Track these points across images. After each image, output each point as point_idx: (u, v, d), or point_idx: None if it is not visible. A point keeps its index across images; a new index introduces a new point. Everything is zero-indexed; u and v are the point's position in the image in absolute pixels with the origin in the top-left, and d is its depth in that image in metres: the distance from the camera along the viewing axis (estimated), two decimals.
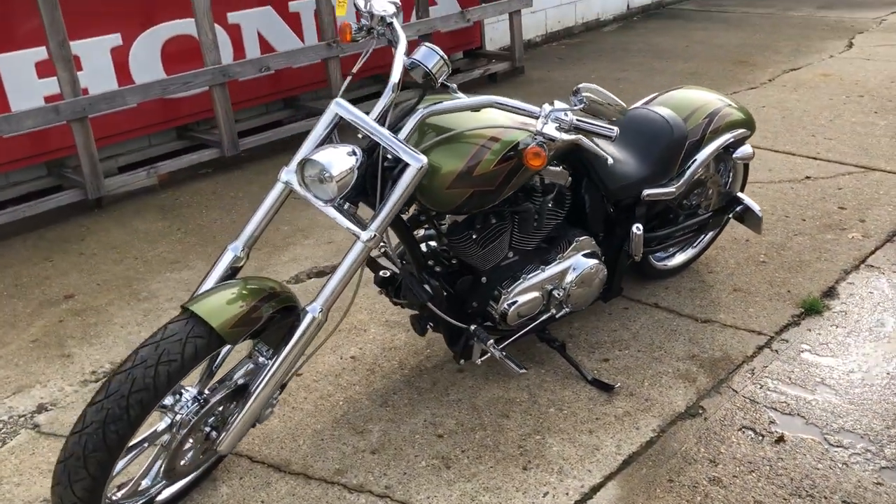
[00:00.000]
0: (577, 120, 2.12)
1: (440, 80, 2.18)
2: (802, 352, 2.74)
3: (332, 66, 5.10)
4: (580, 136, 2.19)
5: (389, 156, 2.10)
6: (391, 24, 2.31)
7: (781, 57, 6.27)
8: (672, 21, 7.90)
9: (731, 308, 3.03)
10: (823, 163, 4.25)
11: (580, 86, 2.10)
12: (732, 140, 2.92)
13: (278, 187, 2.15)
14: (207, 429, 2.05)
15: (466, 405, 2.61)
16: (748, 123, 3.01)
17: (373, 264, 2.64)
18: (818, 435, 2.37)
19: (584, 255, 2.65)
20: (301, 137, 4.41)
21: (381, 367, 2.82)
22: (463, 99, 2.19)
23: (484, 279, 2.52)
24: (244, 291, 2.00)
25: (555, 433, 2.45)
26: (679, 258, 3.23)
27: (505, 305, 2.50)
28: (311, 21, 5.27)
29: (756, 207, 3.02)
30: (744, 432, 2.40)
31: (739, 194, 3.09)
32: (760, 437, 2.38)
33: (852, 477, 2.20)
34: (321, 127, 2.15)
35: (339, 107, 2.14)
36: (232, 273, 2.15)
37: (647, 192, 2.72)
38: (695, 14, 8.15)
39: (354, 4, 2.34)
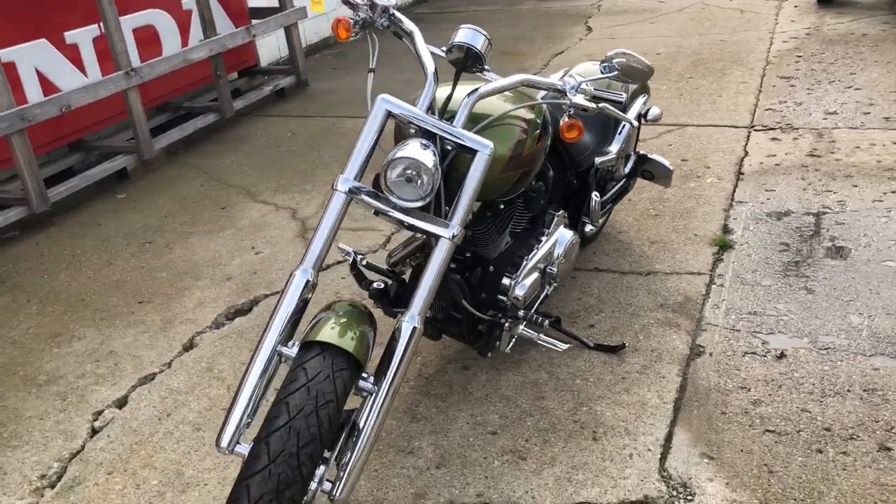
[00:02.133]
0: (596, 89, 2.19)
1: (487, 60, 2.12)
2: (742, 282, 3.06)
3: (132, 97, 4.61)
4: (604, 103, 2.25)
5: (449, 147, 2.00)
6: (393, 14, 2.19)
7: (541, 44, 6.82)
8: (418, 24, 8.19)
9: (660, 258, 3.28)
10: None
11: (610, 52, 2.17)
12: (643, 103, 3.17)
13: (339, 199, 1.95)
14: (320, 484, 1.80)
15: (497, 398, 2.56)
16: (647, 88, 3.28)
17: (360, 276, 2.49)
18: (806, 343, 2.68)
19: (562, 229, 2.72)
20: (108, 182, 3.92)
21: None
22: (500, 80, 2.14)
23: (491, 268, 2.49)
24: (347, 315, 1.82)
25: (597, 400, 2.50)
26: (588, 226, 3.41)
27: (517, 291, 2.49)
28: (92, 51, 4.70)
29: (666, 162, 3.29)
30: (749, 357, 2.64)
31: (646, 153, 3.35)
32: (764, 358, 2.63)
33: (855, 369, 2.53)
34: (374, 126, 1.98)
35: (387, 102, 1.99)
36: (306, 299, 1.91)
37: (598, 160, 2.86)
38: (433, 16, 8.53)
39: (346, 0, 2.18)
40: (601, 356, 2.70)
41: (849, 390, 2.44)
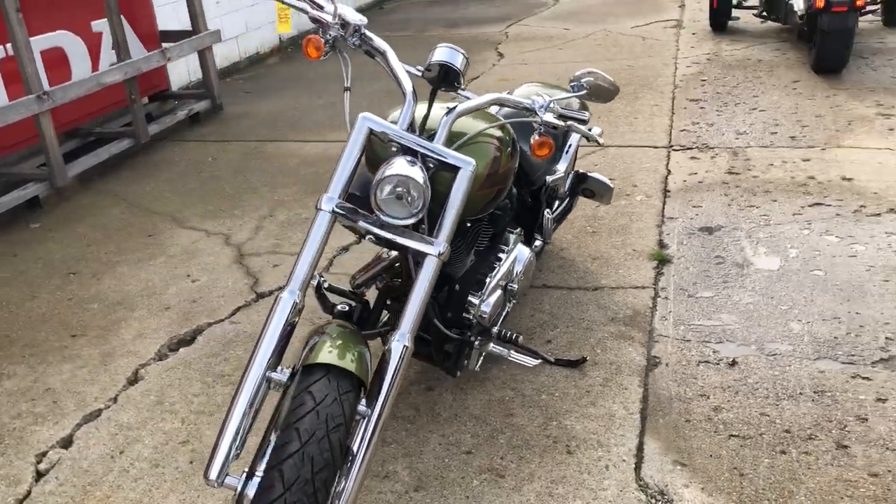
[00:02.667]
0: (562, 108, 2.24)
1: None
2: (685, 294, 3.18)
3: (45, 122, 4.38)
4: (571, 122, 2.30)
5: (430, 164, 1.99)
6: (364, 34, 2.17)
7: None
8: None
9: (604, 274, 3.36)
10: None
11: (579, 72, 2.22)
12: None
13: (324, 218, 1.91)
14: None
15: (466, 417, 2.55)
16: (587, 106, 3.37)
17: (323, 299, 2.46)
18: (754, 351, 2.79)
19: (521, 246, 2.76)
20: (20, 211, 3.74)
21: None
22: (476, 98, 2.15)
23: (457, 287, 2.49)
24: (342, 336, 1.78)
25: (566, 414, 2.53)
26: (538, 242, 3.47)
27: (483, 308, 2.50)
28: None
29: (606, 180, 3.38)
30: (703, 365, 2.73)
31: (585, 171, 3.44)
32: (718, 366, 2.73)
33: (803, 372, 2.66)
34: (356, 144, 1.96)
35: (369, 120, 1.97)
36: (293, 322, 1.85)
37: (549, 178, 2.92)
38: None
39: (315, 19, 2.14)
40: (563, 371, 2.74)
41: (801, 393, 2.56)
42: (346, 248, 3.67)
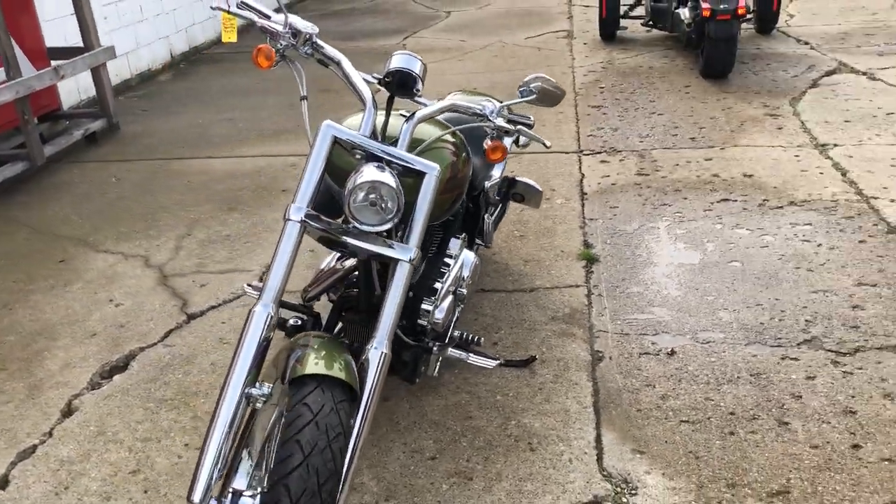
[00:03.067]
0: (510, 113, 2.30)
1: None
2: (617, 290, 3.30)
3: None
4: (520, 126, 2.35)
5: (395, 171, 2.00)
6: (316, 42, 2.16)
7: None
8: (221, 64, 7.98)
9: (538, 275, 3.45)
10: None
11: (527, 77, 2.28)
12: None
13: (294, 228, 1.88)
14: None
15: (426, 424, 2.56)
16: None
17: None
18: (689, 340, 2.93)
19: (466, 251, 2.79)
20: None
21: None
22: (433, 104, 2.17)
23: (411, 293, 2.50)
24: (325, 346, 1.76)
25: (522, 413, 2.58)
26: (479, 246, 3.52)
27: (437, 315, 2.52)
28: None
29: (535, 184, 3.47)
30: (645, 357, 2.84)
31: (514, 176, 3.51)
32: (658, 356, 2.84)
33: (737, 357, 2.81)
34: (321, 152, 1.94)
35: (333, 128, 1.96)
36: (268, 337, 1.81)
37: (487, 183, 2.97)
38: (235, 56, 8.34)
39: (264, 28, 2.12)
40: (513, 371, 2.79)
41: (738, 377, 2.70)
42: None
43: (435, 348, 2.48)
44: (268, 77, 7.10)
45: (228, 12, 2.15)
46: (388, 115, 2.13)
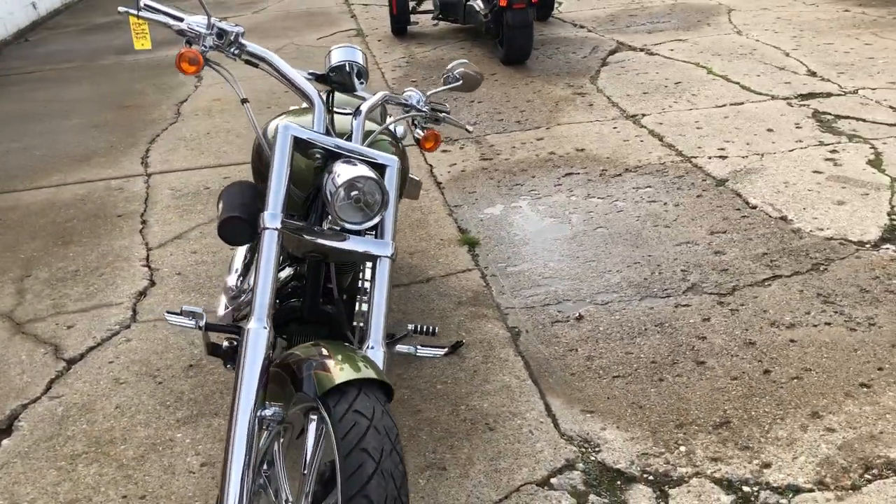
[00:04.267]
0: (431, 101, 2.33)
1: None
2: (508, 268, 3.42)
3: None
4: (443, 114, 2.38)
5: None
6: (242, 43, 2.04)
7: (156, 95, 6.49)
8: None
9: (428, 265, 3.49)
10: None
11: (451, 66, 2.31)
12: None
13: (273, 236, 1.78)
14: None
15: None
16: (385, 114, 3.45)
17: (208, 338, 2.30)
18: (590, 304, 3.12)
19: None
20: None
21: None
22: (370, 97, 2.13)
23: (344, 296, 2.46)
24: (338, 349, 1.69)
25: (468, 397, 2.62)
26: None
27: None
28: None
29: (415, 176, 3.49)
30: (558, 325, 2.99)
31: None
32: (569, 323, 3.01)
33: (638, 312, 3.04)
34: (285, 156, 1.84)
35: (293, 129, 1.87)
36: (269, 355, 1.71)
37: None
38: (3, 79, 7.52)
39: (184, 31, 1.97)
40: (443, 359, 2.81)
41: (646, 329, 2.93)
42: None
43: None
44: (53, 100, 6.51)
45: (137, 16, 1.97)
46: (331, 111, 2.07)
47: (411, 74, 6.53)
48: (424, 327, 2.52)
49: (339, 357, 1.67)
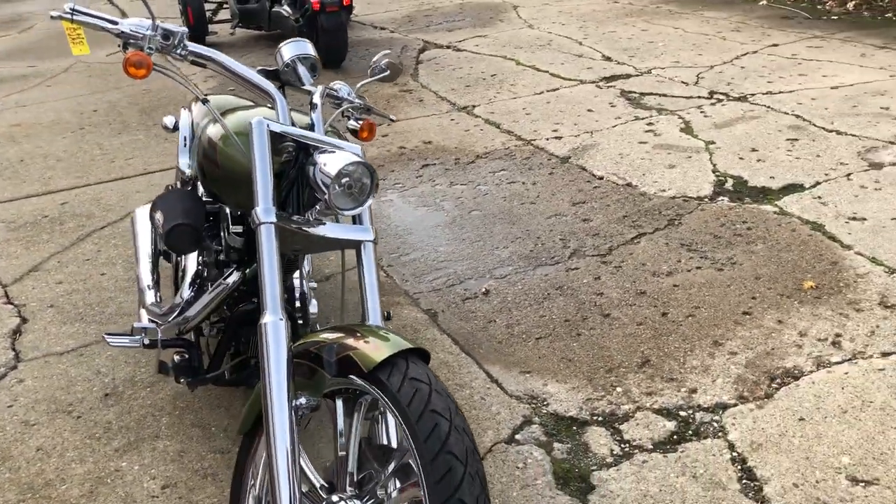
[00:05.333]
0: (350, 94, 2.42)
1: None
2: (402, 259, 3.54)
3: None
4: (370, 105, 2.45)
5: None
6: (187, 44, 1.99)
7: None
8: None
9: (322, 265, 3.52)
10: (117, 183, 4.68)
11: (376, 57, 2.39)
12: None
13: (270, 230, 1.77)
14: None
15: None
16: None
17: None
18: (491, 279, 3.32)
19: None
20: None
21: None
22: (316, 90, 2.16)
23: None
24: (363, 328, 1.74)
25: None
26: None
27: (312, 309, 2.52)
28: None
29: None
30: (469, 301, 3.16)
31: None
32: (479, 298, 3.18)
33: (536, 280, 3.28)
34: (264, 149, 1.83)
35: (268, 122, 1.87)
36: (289, 346, 1.72)
37: None
38: None
39: (126, 33, 1.91)
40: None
41: (549, 294, 3.17)
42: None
43: None
44: None
45: (71, 20, 1.87)
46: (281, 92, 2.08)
47: (227, 83, 6.39)
48: (385, 313, 2.58)
49: (367, 335, 1.71)
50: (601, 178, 4.17)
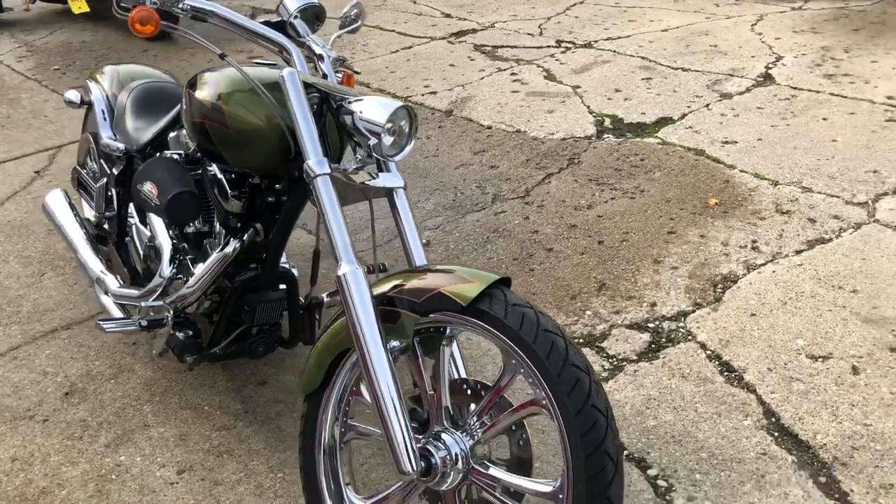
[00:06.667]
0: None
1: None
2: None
3: None
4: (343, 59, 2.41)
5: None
6: None
7: None
8: None
9: None
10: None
11: (346, 8, 2.35)
12: None
13: (326, 181, 1.74)
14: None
15: None
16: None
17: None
18: (427, 231, 3.38)
19: None
20: None
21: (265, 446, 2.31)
22: (318, 42, 2.10)
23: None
24: (434, 270, 1.77)
25: None
26: None
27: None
28: None
29: None
30: None
31: None
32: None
33: (468, 227, 3.39)
34: (302, 100, 1.78)
35: (298, 73, 1.82)
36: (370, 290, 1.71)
37: None
38: None
39: None
40: None
41: (488, 237, 3.29)
42: None
43: (325, 297, 2.44)
44: None
45: None
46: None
47: (49, 63, 5.86)
48: (376, 266, 2.57)
49: (445, 273, 1.74)
50: (490, 128, 4.33)
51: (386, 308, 1.71)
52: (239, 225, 2.16)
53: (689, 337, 2.63)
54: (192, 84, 2.09)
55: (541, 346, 1.58)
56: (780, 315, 2.69)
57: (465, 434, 1.70)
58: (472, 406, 1.75)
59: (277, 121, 1.92)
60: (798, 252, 3.03)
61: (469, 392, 1.74)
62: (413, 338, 1.72)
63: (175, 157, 2.21)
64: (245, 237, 2.15)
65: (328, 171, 1.76)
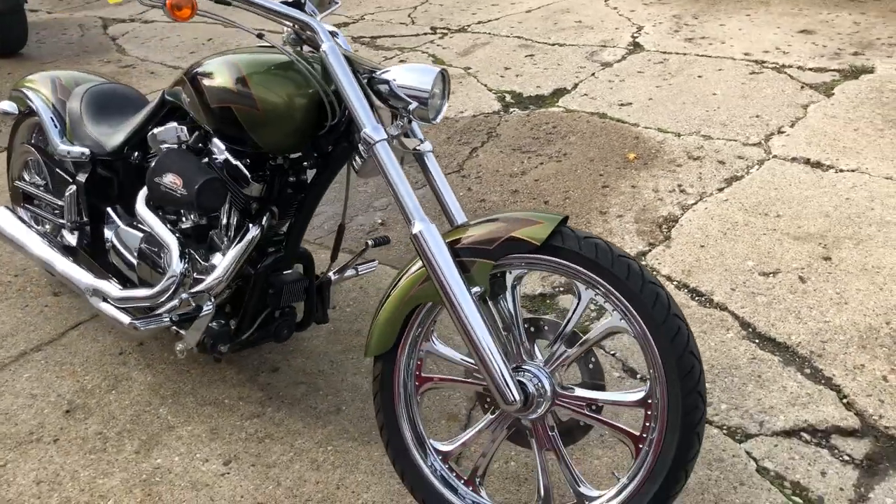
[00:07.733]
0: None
1: None
2: None
3: None
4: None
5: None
6: None
7: None
8: None
9: None
10: None
11: None
12: None
13: (385, 146, 1.81)
14: None
15: (346, 392, 2.59)
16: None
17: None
18: (371, 213, 3.47)
19: None
20: None
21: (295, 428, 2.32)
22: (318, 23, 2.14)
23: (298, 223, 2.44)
24: (491, 219, 1.89)
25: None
26: None
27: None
28: None
29: None
30: (373, 232, 3.29)
31: None
32: (378, 229, 3.33)
33: (421, 200, 3.50)
34: (349, 72, 1.85)
35: (336, 48, 1.88)
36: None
37: None
38: None
39: None
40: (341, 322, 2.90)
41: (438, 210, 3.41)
42: None
43: (333, 276, 2.49)
44: None
45: None
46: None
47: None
48: (380, 239, 2.63)
49: (506, 220, 1.84)
50: None
51: (459, 259, 1.82)
52: (256, 209, 2.17)
53: (654, 272, 2.89)
54: (197, 74, 2.08)
55: (619, 270, 1.75)
56: (724, 243, 3.02)
57: (545, 365, 1.84)
58: (543, 341, 1.89)
59: (304, 98, 1.96)
60: (720, 189, 3.39)
61: (544, 327, 1.88)
62: (489, 282, 1.83)
63: (182, 149, 2.19)
64: (264, 221, 2.17)
65: (384, 136, 1.84)
